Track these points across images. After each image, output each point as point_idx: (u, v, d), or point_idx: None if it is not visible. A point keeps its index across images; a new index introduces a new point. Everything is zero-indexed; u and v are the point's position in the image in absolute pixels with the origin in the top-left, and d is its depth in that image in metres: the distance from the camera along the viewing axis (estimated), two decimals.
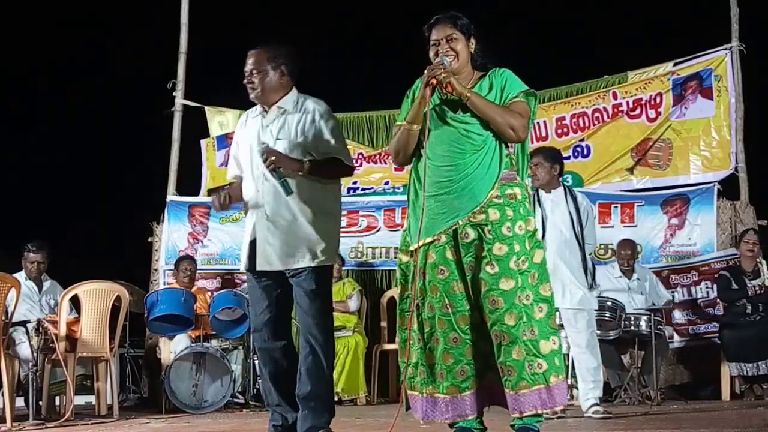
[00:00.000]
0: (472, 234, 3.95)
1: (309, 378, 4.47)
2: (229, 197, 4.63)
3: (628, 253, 8.18)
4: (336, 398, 8.46)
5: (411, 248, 4.04)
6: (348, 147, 4.72)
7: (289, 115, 4.56)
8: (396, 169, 9.88)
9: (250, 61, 4.58)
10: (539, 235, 4.07)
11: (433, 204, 4.00)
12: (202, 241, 9.55)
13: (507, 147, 4.08)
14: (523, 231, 3.97)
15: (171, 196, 9.73)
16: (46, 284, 8.11)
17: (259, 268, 4.55)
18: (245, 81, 4.60)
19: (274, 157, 4.38)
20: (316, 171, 4.47)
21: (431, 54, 4.10)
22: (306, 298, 4.48)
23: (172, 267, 9.00)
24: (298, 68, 4.65)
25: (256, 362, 7.78)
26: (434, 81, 3.97)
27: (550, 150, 6.79)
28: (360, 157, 10.05)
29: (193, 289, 8.56)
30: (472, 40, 4.13)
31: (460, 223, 3.96)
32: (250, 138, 4.66)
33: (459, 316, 3.97)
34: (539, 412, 3.94)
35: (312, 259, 4.47)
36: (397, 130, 4.19)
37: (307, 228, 4.47)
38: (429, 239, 3.99)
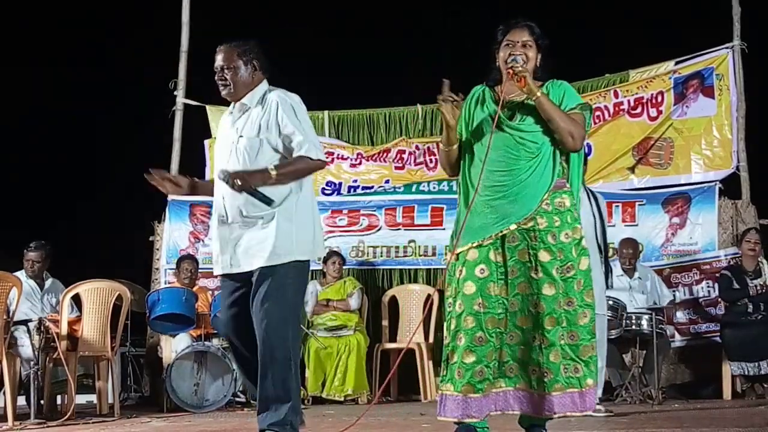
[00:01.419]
0: (519, 239, 4.06)
1: (260, 378, 4.45)
2: (194, 184, 4.65)
3: (629, 252, 8.20)
4: (341, 398, 8.55)
5: (457, 251, 4.11)
6: (313, 136, 4.53)
7: (253, 110, 4.51)
8: (396, 168, 9.94)
9: (219, 57, 4.52)
10: (584, 242, 4.14)
11: (486, 209, 4.08)
12: (203, 240, 9.55)
13: (561, 155, 4.14)
14: (570, 239, 4.07)
15: (172, 195, 9.73)
16: (48, 283, 8.14)
17: (223, 271, 4.55)
18: (216, 78, 4.54)
19: (239, 180, 4.28)
20: (283, 177, 4.38)
21: (502, 53, 4.15)
22: (258, 297, 4.41)
23: (174, 266, 9.01)
24: (269, 62, 4.61)
25: None
26: (511, 72, 4.06)
27: None
28: (359, 156, 10.08)
29: (195, 288, 8.57)
30: (540, 54, 4.18)
31: (511, 228, 4.04)
32: (221, 136, 4.64)
33: (488, 318, 4.02)
34: (569, 414, 4.04)
35: (267, 259, 4.39)
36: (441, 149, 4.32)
37: (267, 229, 4.41)
38: (476, 243, 4.06)
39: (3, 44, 12.72)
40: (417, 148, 9.93)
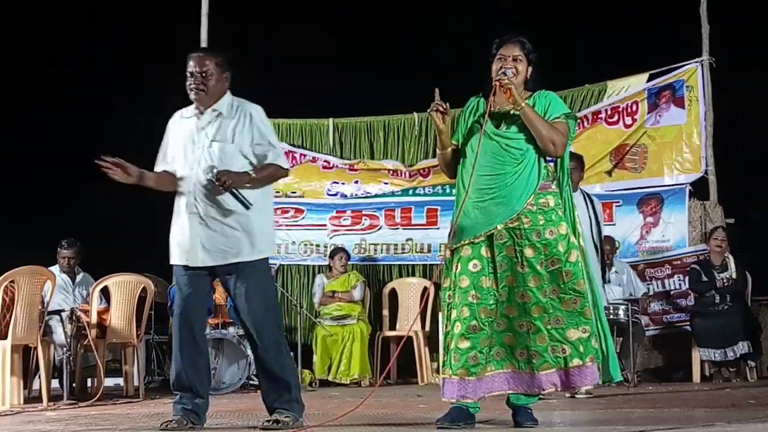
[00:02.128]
0: (506, 237, 4.30)
1: (258, 366, 4.76)
2: (142, 175, 4.59)
3: (607, 249, 8.23)
4: (347, 382, 8.91)
5: (452, 247, 4.40)
6: (280, 148, 4.76)
7: (225, 119, 4.60)
8: (392, 174, 10.15)
9: (194, 63, 4.59)
10: (572, 238, 4.33)
11: (476, 210, 4.33)
12: None
13: (545, 160, 4.38)
14: (555, 235, 4.28)
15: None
16: (79, 277, 8.44)
17: (191, 264, 4.59)
18: (190, 82, 4.59)
19: (229, 180, 4.42)
20: (258, 181, 4.58)
21: (494, 66, 4.39)
22: (241, 291, 4.59)
23: None
24: (235, 76, 4.74)
25: None
26: (498, 84, 4.31)
27: (580, 156, 7.21)
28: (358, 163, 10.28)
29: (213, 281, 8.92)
30: (531, 67, 4.42)
31: (498, 228, 4.29)
32: (184, 138, 4.67)
33: (481, 308, 4.27)
34: (559, 391, 4.39)
35: (248, 255, 4.56)
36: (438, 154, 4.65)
37: (244, 226, 4.56)
38: (468, 240, 4.34)
39: (3, 44, 12.35)
40: (409, 172, 10.08)
